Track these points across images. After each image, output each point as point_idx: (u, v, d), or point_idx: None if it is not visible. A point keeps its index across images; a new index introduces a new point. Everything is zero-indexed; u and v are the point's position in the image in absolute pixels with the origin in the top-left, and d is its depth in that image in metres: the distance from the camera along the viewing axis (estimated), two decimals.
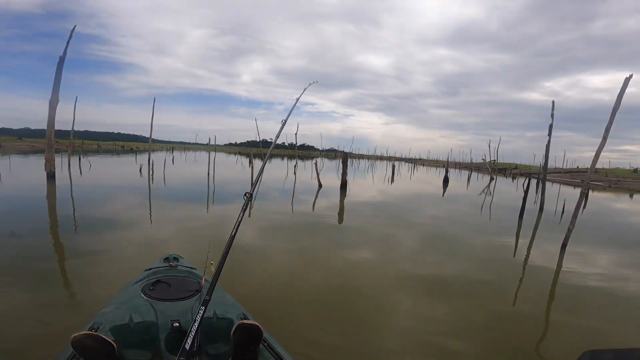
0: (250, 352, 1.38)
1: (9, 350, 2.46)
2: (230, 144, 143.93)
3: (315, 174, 15.42)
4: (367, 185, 18.61)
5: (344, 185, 13.74)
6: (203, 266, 2.04)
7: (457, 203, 13.60)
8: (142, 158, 26.95)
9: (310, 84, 2.67)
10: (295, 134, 26.13)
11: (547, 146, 11.69)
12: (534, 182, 18.89)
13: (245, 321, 1.49)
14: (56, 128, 12.10)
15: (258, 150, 36.54)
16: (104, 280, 3.75)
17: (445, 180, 20.44)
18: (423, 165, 54.25)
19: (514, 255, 6.26)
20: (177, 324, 1.61)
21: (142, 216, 7.37)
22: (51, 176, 11.42)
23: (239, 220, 1.60)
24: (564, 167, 41.92)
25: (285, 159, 50.91)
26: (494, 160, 34.84)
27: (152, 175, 15.37)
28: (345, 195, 12.57)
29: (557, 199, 13.67)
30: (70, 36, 11.79)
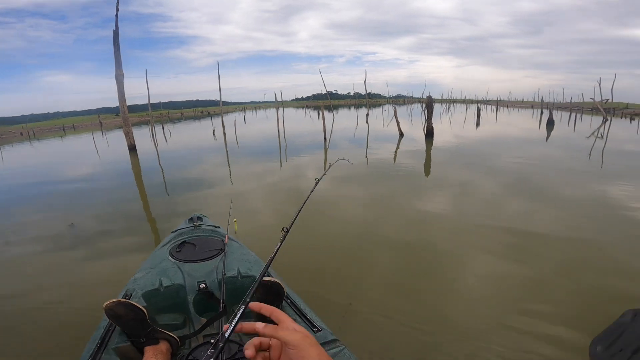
0: None
1: None
2: (297, 99, 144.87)
3: (387, 122, 14.09)
4: (447, 130, 16.48)
5: (429, 133, 11.95)
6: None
7: (568, 150, 11.18)
8: (217, 121, 28.20)
9: None
10: (364, 81, 24.96)
11: None
12: None
13: (267, 278, 1.39)
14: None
15: (326, 102, 35.80)
16: None
17: (550, 123, 16.74)
18: (507, 107, 47.93)
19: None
20: (204, 285, 1.59)
21: (221, 175, 7.68)
22: (132, 148, 11.37)
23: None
24: None
25: (352, 109, 49.20)
26: (606, 100, 28.55)
27: (225, 136, 15.66)
28: (432, 144, 11.02)
29: None
30: (117, 9, 11.02)
